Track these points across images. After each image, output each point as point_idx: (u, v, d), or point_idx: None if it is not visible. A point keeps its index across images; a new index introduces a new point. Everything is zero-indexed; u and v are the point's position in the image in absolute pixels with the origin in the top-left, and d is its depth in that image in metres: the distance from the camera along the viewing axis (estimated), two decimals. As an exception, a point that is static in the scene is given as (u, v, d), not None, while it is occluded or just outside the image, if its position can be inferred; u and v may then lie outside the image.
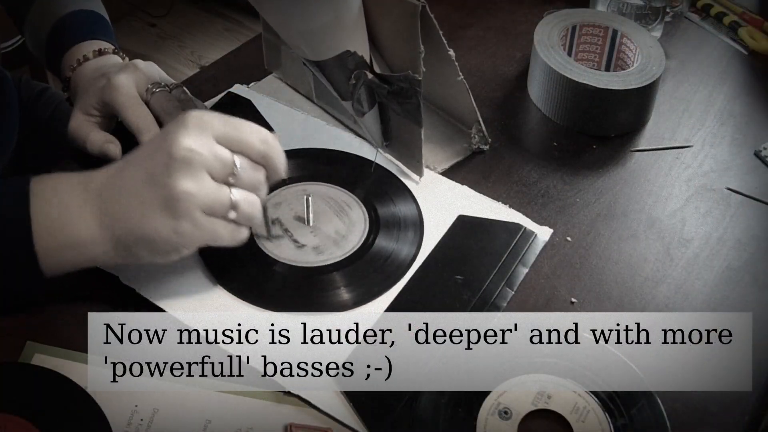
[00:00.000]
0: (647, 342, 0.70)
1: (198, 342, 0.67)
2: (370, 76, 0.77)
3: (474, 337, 0.68)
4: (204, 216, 0.62)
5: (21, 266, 0.63)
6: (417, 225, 0.78)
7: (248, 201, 0.64)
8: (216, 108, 0.88)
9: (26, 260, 0.63)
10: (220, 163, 0.62)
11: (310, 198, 0.77)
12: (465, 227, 0.78)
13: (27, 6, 0.92)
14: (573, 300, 0.73)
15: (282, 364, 0.66)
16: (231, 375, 0.65)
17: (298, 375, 0.65)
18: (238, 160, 0.63)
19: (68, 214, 0.63)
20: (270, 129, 0.85)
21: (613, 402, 0.64)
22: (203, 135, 0.62)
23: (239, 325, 0.69)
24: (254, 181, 0.64)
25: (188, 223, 0.61)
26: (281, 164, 0.66)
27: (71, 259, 0.64)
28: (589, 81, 0.87)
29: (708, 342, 0.70)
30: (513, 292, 0.73)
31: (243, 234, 0.65)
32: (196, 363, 0.66)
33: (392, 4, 0.74)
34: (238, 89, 0.92)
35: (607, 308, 0.73)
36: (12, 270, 0.64)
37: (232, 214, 0.63)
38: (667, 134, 0.91)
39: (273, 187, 0.79)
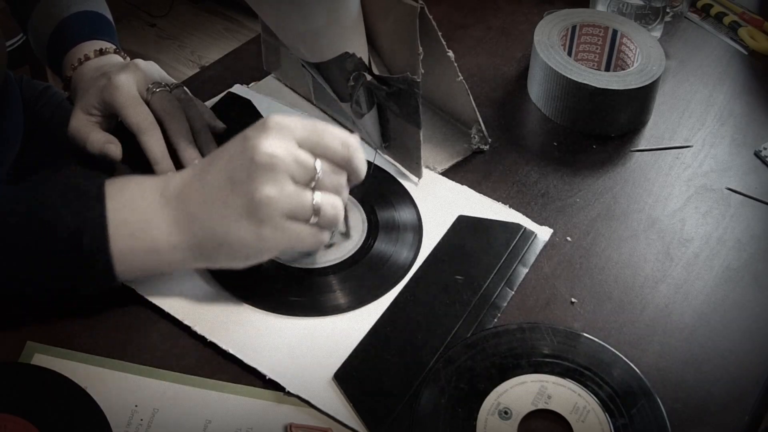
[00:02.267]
0: (647, 342, 0.70)
1: (197, 342, 0.67)
2: (368, 77, 0.77)
3: (474, 337, 0.68)
4: (287, 221, 0.62)
5: (96, 269, 0.63)
6: (416, 226, 0.78)
7: (331, 204, 0.63)
8: (216, 108, 0.88)
9: (101, 265, 0.62)
10: (302, 168, 0.61)
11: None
12: (465, 227, 0.78)
13: (31, 6, 0.93)
14: (573, 300, 0.73)
15: (282, 364, 0.66)
16: (231, 375, 0.65)
17: (298, 375, 0.65)
18: (320, 164, 0.62)
19: (145, 219, 0.63)
20: None
21: (613, 402, 0.64)
22: (285, 139, 0.61)
23: (239, 325, 0.69)
24: (336, 185, 0.64)
25: (271, 229, 0.61)
26: (362, 167, 0.65)
27: (147, 264, 0.64)
28: (589, 81, 0.87)
29: (708, 342, 0.70)
30: (513, 292, 0.73)
31: (325, 237, 0.65)
32: (196, 363, 0.66)
33: (391, 5, 0.74)
34: (238, 89, 0.92)
35: (607, 308, 0.73)
36: (86, 274, 0.63)
37: (315, 219, 0.63)
38: (667, 134, 0.91)
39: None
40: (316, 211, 0.63)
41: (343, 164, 0.64)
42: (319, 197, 0.63)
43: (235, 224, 0.61)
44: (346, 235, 0.75)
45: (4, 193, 0.66)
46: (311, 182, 0.62)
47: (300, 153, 0.62)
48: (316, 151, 0.63)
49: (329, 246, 0.74)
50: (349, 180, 0.66)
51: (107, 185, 0.64)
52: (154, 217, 0.63)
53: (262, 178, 0.60)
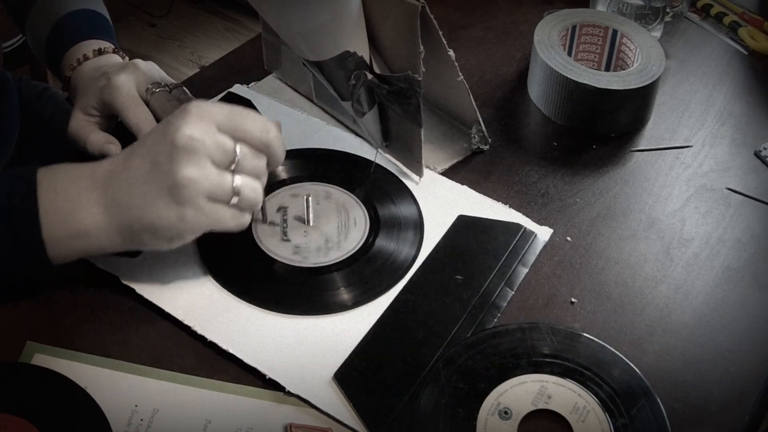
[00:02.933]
0: (647, 342, 0.70)
1: (197, 342, 0.67)
2: (369, 76, 0.77)
3: (474, 337, 0.68)
4: (208, 202, 0.63)
5: (29, 255, 0.64)
6: (417, 225, 0.78)
7: (251, 187, 0.65)
8: (216, 108, 0.88)
9: (34, 249, 0.64)
10: (221, 151, 0.63)
11: (310, 198, 0.77)
12: (465, 227, 0.78)
13: (28, 5, 0.92)
14: (573, 300, 0.73)
15: (282, 364, 0.66)
16: (231, 375, 0.65)
17: (298, 375, 0.65)
18: (239, 148, 0.64)
19: (75, 203, 0.64)
20: None
21: (613, 402, 0.64)
22: (205, 123, 0.63)
23: (239, 325, 0.69)
24: (256, 168, 0.66)
25: (192, 210, 0.63)
26: (281, 152, 0.67)
27: (78, 247, 0.65)
28: (589, 81, 0.87)
29: (708, 342, 0.70)
30: (513, 292, 0.73)
31: (245, 219, 0.66)
32: (196, 363, 0.66)
33: (392, 4, 0.74)
34: (238, 89, 0.92)
35: (607, 308, 0.73)
36: (20, 258, 0.65)
37: (235, 200, 0.64)
38: (667, 134, 0.91)
39: (274, 186, 0.79)
40: (237, 192, 0.64)
41: (262, 148, 0.66)
42: (239, 180, 0.64)
43: (157, 206, 0.63)
44: (264, 219, 0.76)
45: None
46: (231, 165, 0.64)
47: (219, 136, 0.63)
48: (236, 135, 0.64)
49: (265, 223, 0.75)
50: (268, 164, 0.67)
51: (39, 172, 0.65)
52: (83, 201, 0.64)
53: (183, 159, 0.62)
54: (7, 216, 0.64)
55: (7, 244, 0.64)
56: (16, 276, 0.67)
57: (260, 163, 0.66)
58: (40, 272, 0.66)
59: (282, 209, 0.77)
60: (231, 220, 0.65)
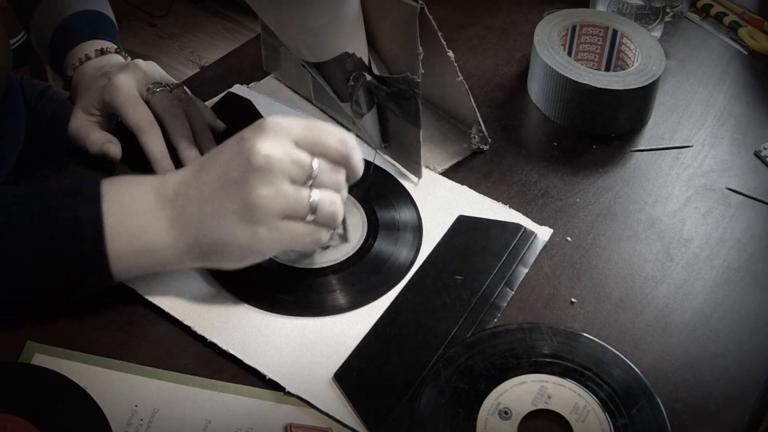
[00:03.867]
0: (647, 342, 0.70)
1: (197, 342, 0.67)
2: (368, 77, 0.77)
3: (474, 337, 0.68)
4: (282, 220, 0.62)
5: (92, 269, 0.63)
6: (416, 226, 0.78)
7: (329, 201, 0.64)
8: (216, 108, 0.88)
9: (97, 264, 0.63)
10: (298, 167, 0.62)
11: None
12: (465, 227, 0.78)
13: (33, 5, 0.93)
14: (573, 300, 0.73)
15: (282, 364, 0.66)
16: (231, 375, 0.65)
17: (298, 375, 0.65)
18: (317, 162, 0.63)
19: (142, 219, 0.63)
20: None
21: (613, 402, 0.64)
22: (282, 140, 0.61)
23: (239, 325, 0.69)
24: (334, 182, 0.64)
25: (266, 229, 0.62)
26: (360, 164, 0.66)
27: (143, 264, 0.64)
28: (589, 81, 0.87)
29: (708, 342, 0.70)
30: (513, 292, 0.73)
31: (324, 235, 0.65)
32: (196, 363, 0.66)
33: (391, 5, 0.74)
34: (238, 89, 0.92)
35: (607, 308, 0.73)
36: (83, 272, 0.63)
37: (311, 217, 0.63)
38: (667, 134, 0.91)
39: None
40: (313, 208, 0.63)
41: (341, 161, 0.64)
42: (317, 194, 0.63)
43: (230, 225, 0.62)
44: (344, 237, 0.75)
45: (4, 193, 0.66)
46: (308, 180, 0.63)
47: (296, 152, 0.62)
48: (314, 150, 0.63)
49: (326, 248, 0.74)
50: (347, 178, 0.66)
51: (103, 185, 0.64)
52: (150, 217, 0.63)
53: (258, 179, 0.60)
54: (72, 229, 0.62)
55: (71, 258, 0.62)
56: (79, 289, 0.66)
57: (339, 177, 0.64)
58: (102, 286, 0.65)
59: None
60: (307, 236, 0.64)
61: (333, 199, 0.64)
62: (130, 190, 0.64)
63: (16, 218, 0.63)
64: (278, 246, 0.63)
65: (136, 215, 0.63)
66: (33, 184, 0.66)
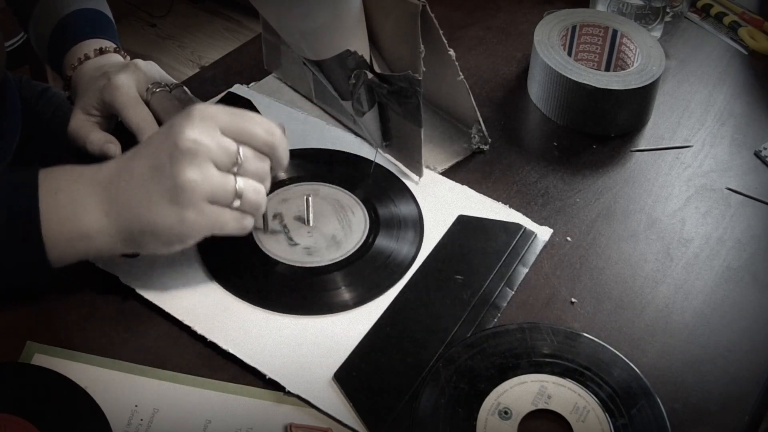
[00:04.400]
0: (647, 342, 0.70)
1: (197, 342, 0.67)
2: (370, 75, 0.77)
3: (474, 337, 0.68)
4: (209, 205, 0.63)
5: (29, 257, 0.64)
6: (417, 225, 0.78)
7: (254, 189, 0.65)
8: (216, 108, 0.88)
9: (34, 251, 0.64)
10: (224, 153, 0.63)
11: (310, 198, 0.77)
12: (465, 227, 0.78)
13: (32, 4, 0.93)
14: (573, 300, 0.73)
15: (282, 364, 0.66)
16: (231, 375, 0.65)
17: (298, 375, 0.65)
18: (243, 150, 0.64)
19: (76, 206, 0.64)
20: None
21: (613, 402, 0.64)
22: (208, 126, 0.63)
23: (239, 325, 0.69)
24: (259, 171, 0.65)
25: (193, 212, 0.63)
26: (285, 155, 0.67)
27: (78, 249, 0.65)
28: (589, 81, 0.87)
29: (708, 342, 0.70)
30: (513, 292, 0.73)
31: (248, 222, 0.66)
32: (196, 363, 0.66)
33: (393, 3, 0.74)
34: (238, 89, 0.92)
35: (607, 308, 0.73)
36: (20, 260, 0.64)
37: (237, 203, 0.64)
38: (667, 134, 0.91)
39: (277, 185, 0.79)
40: (239, 194, 0.64)
41: (266, 151, 0.66)
42: (241, 182, 0.64)
43: (158, 209, 0.63)
44: (264, 229, 0.75)
45: None
46: (234, 167, 0.64)
47: (222, 139, 0.63)
48: (240, 138, 0.64)
49: (266, 233, 0.75)
50: (272, 167, 0.67)
51: (40, 174, 0.65)
52: (84, 203, 0.64)
53: (185, 162, 0.62)
54: (8, 217, 0.63)
55: (7, 245, 0.64)
56: (16, 280, 0.67)
57: (264, 166, 0.66)
58: (39, 275, 0.66)
59: (278, 215, 0.77)
60: (233, 222, 0.65)
61: (257, 188, 0.65)
62: (66, 178, 0.65)
63: None
64: (205, 230, 0.64)
65: (70, 203, 0.64)
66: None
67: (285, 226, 0.76)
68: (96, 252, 0.66)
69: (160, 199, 0.62)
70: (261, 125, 0.65)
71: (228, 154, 0.63)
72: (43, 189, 0.64)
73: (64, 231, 0.64)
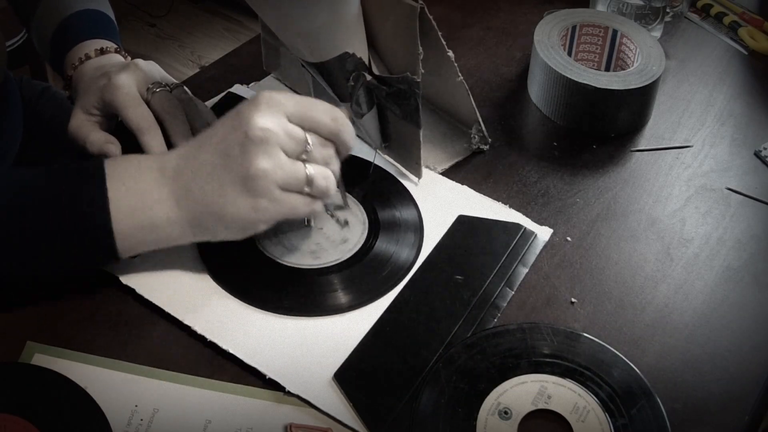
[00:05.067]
0: (647, 342, 0.70)
1: (197, 342, 0.67)
2: (368, 77, 0.77)
3: (474, 337, 0.68)
4: (281, 192, 0.64)
5: (98, 247, 0.65)
6: (417, 226, 0.78)
7: (322, 175, 0.66)
8: (216, 108, 0.88)
9: (104, 241, 0.64)
10: (293, 141, 0.64)
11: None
12: (465, 227, 0.78)
13: (34, 5, 0.93)
14: (573, 300, 0.73)
15: (282, 364, 0.66)
16: (231, 375, 0.65)
17: (298, 375, 0.65)
18: (310, 137, 0.65)
19: (145, 196, 0.65)
20: None
21: (613, 402, 0.64)
22: (276, 114, 0.64)
23: (239, 325, 0.69)
24: (326, 157, 0.67)
25: (266, 200, 0.63)
26: (351, 139, 0.68)
27: (148, 239, 0.66)
28: (589, 81, 0.87)
29: (708, 342, 0.70)
30: (513, 292, 0.73)
31: (318, 206, 0.67)
32: (196, 363, 0.66)
33: (391, 5, 0.74)
34: (238, 89, 0.92)
35: (607, 308, 0.73)
36: (90, 252, 0.65)
37: (308, 189, 0.65)
38: (667, 134, 0.91)
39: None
40: (309, 181, 0.65)
41: (331, 137, 0.67)
42: (311, 169, 0.65)
43: (231, 197, 0.63)
44: (345, 204, 0.77)
45: (8, 175, 0.68)
46: (302, 154, 0.65)
47: (291, 127, 0.64)
48: (306, 125, 0.65)
49: (345, 208, 0.77)
50: (338, 152, 0.68)
51: (107, 165, 0.65)
52: (154, 193, 0.65)
53: (256, 151, 0.62)
54: (78, 208, 0.64)
55: (76, 236, 0.64)
56: (85, 266, 0.68)
57: (330, 152, 0.67)
58: (109, 263, 0.68)
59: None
60: (304, 207, 0.66)
61: (326, 173, 0.66)
62: (132, 169, 0.66)
63: (23, 199, 0.64)
64: (279, 216, 0.65)
65: (139, 193, 0.65)
66: (37, 166, 0.67)
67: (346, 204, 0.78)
68: (166, 242, 0.66)
69: (233, 188, 0.63)
70: (326, 112, 0.66)
71: (297, 142, 0.64)
72: (111, 179, 0.64)
73: (134, 221, 0.64)
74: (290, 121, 0.64)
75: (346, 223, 0.77)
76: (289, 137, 0.64)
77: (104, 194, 0.64)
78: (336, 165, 0.68)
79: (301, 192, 0.65)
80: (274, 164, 0.63)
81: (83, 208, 0.64)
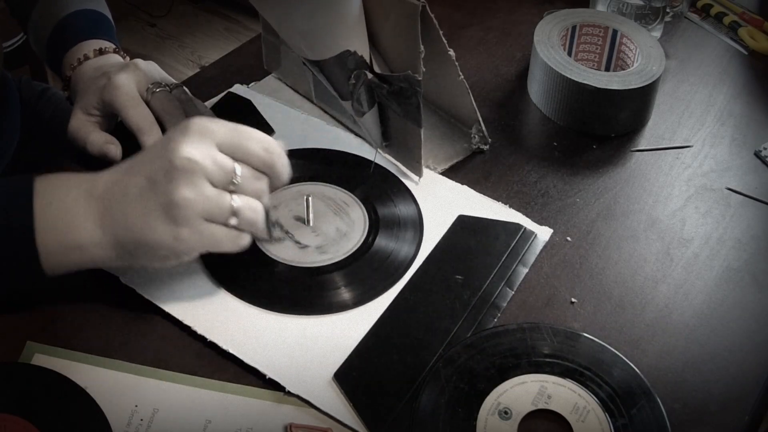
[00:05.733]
0: (647, 342, 0.70)
1: (197, 342, 0.67)
2: (369, 76, 0.77)
3: (474, 337, 0.68)
4: (204, 223, 0.62)
5: (22, 265, 0.64)
6: (417, 225, 0.78)
7: (250, 207, 0.64)
8: (216, 108, 0.88)
9: (28, 259, 0.63)
10: (221, 171, 0.62)
11: (310, 198, 0.77)
12: (465, 227, 0.78)
13: (31, 5, 0.93)
14: (573, 300, 0.73)
15: (282, 364, 0.66)
16: (231, 375, 0.65)
17: (298, 375, 0.65)
18: (239, 168, 0.63)
19: (71, 216, 0.63)
20: (270, 130, 0.85)
21: (613, 402, 0.64)
22: (205, 143, 0.62)
23: (239, 325, 0.69)
24: (256, 189, 0.65)
25: (188, 230, 0.62)
26: (284, 172, 0.66)
27: (72, 260, 0.65)
28: (589, 81, 0.87)
29: (708, 342, 0.70)
30: (513, 292, 0.73)
31: (244, 240, 0.65)
32: (196, 363, 0.66)
33: (392, 4, 0.74)
34: (238, 89, 0.92)
35: (607, 308, 0.73)
36: (13, 268, 0.64)
37: (233, 221, 0.63)
38: (667, 134, 0.91)
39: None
40: (235, 213, 0.63)
41: (264, 169, 0.65)
42: (237, 200, 0.63)
43: (153, 224, 0.62)
44: (270, 238, 0.73)
45: None
46: (230, 185, 0.63)
47: (219, 156, 0.62)
48: (237, 156, 0.63)
49: (272, 242, 0.74)
50: (270, 185, 0.66)
51: (36, 182, 0.64)
52: (79, 214, 0.64)
53: (180, 180, 0.61)
54: (2, 226, 0.63)
55: (1, 254, 0.63)
56: (10, 285, 0.67)
57: (261, 184, 0.65)
58: (33, 283, 0.66)
59: (275, 224, 0.76)
60: (228, 240, 0.64)
61: (253, 206, 0.64)
62: (62, 188, 0.65)
63: None
64: (200, 247, 0.64)
65: (65, 212, 0.64)
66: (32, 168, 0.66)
67: (287, 232, 0.76)
68: (90, 263, 0.65)
69: (155, 215, 0.62)
70: (259, 142, 0.64)
71: (224, 172, 0.62)
72: (37, 198, 0.64)
73: (59, 241, 0.63)
74: (220, 150, 0.63)
75: (300, 243, 0.75)
76: (217, 167, 0.62)
77: (30, 211, 0.63)
78: (266, 198, 0.66)
79: (226, 224, 0.63)
80: (197, 194, 0.61)
81: (9, 227, 0.63)
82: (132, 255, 0.64)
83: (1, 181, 0.66)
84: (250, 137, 0.64)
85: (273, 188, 0.66)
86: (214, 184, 0.62)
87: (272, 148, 0.65)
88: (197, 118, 0.64)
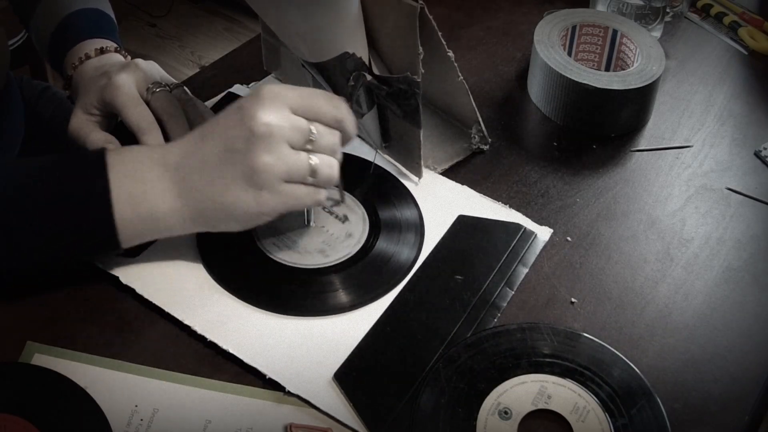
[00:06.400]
0: (647, 342, 0.70)
1: (197, 342, 0.67)
2: (369, 77, 0.77)
3: (474, 337, 0.68)
4: (285, 184, 0.64)
5: (100, 236, 0.65)
6: (417, 226, 0.78)
7: (327, 164, 0.67)
8: (216, 108, 0.88)
9: (105, 231, 0.65)
10: (297, 133, 0.64)
11: None
12: (465, 227, 0.78)
13: (33, 4, 0.93)
14: (573, 300, 0.73)
15: (282, 364, 0.66)
16: (231, 375, 0.65)
17: (298, 375, 0.65)
18: (314, 127, 0.65)
19: (147, 187, 0.65)
20: None
21: (613, 402, 0.64)
22: (279, 107, 0.64)
23: (239, 325, 0.69)
24: (331, 145, 0.67)
25: (270, 193, 0.64)
26: (353, 126, 0.69)
27: (149, 230, 0.67)
28: (589, 81, 0.87)
29: (708, 342, 0.70)
30: (513, 292, 0.73)
31: (322, 195, 0.68)
32: (196, 363, 0.66)
33: (391, 5, 0.74)
34: (238, 89, 0.92)
35: (607, 308, 0.73)
36: (91, 239, 0.66)
37: (310, 179, 0.66)
38: (667, 134, 0.91)
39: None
40: (313, 171, 0.65)
41: (335, 124, 0.67)
42: (315, 159, 0.65)
43: (235, 191, 0.64)
44: (341, 199, 0.77)
45: (12, 166, 0.68)
46: (307, 144, 0.65)
47: (294, 118, 0.65)
48: (309, 115, 0.66)
49: (341, 204, 0.77)
50: (342, 140, 0.68)
51: (108, 155, 0.66)
52: (156, 185, 0.65)
53: (260, 146, 0.63)
54: (79, 198, 0.65)
55: (78, 225, 0.65)
56: (88, 254, 0.69)
57: (335, 140, 0.67)
58: (109, 251, 0.69)
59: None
60: (308, 198, 0.66)
61: (330, 162, 0.67)
62: (135, 159, 0.66)
63: (27, 190, 0.65)
64: (282, 207, 0.66)
65: (140, 183, 0.65)
66: (39, 157, 0.68)
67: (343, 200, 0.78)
68: (166, 232, 0.67)
69: (236, 181, 0.64)
70: (328, 101, 0.66)
71: (301, 133, 0.65)
72: (113, 170, 0.65)
73: (136, 212, 0.65)
74: (294, 112, 0.65)
75: (346, 218, 0.77)
76: (294, 129, 0.64)
77: (107, 185, 0.64)
78: (340, 153, 0.68)
79: (304, 182, 0.65)
80: (277, 158, 0.63)
81: (87, 200, 0.64)
82: (211, 222, 0.66)
83: (72, 155, 0.68)
84: (319, 96, 0.66)
85: (344, 143, 0.69)
86: (292, 146, 0.64)
87: (340, 104, 0.67)
88: (267, 84, 0.66)
